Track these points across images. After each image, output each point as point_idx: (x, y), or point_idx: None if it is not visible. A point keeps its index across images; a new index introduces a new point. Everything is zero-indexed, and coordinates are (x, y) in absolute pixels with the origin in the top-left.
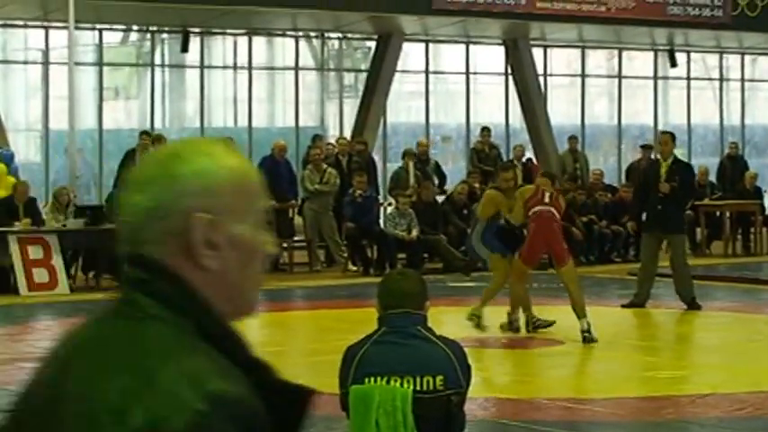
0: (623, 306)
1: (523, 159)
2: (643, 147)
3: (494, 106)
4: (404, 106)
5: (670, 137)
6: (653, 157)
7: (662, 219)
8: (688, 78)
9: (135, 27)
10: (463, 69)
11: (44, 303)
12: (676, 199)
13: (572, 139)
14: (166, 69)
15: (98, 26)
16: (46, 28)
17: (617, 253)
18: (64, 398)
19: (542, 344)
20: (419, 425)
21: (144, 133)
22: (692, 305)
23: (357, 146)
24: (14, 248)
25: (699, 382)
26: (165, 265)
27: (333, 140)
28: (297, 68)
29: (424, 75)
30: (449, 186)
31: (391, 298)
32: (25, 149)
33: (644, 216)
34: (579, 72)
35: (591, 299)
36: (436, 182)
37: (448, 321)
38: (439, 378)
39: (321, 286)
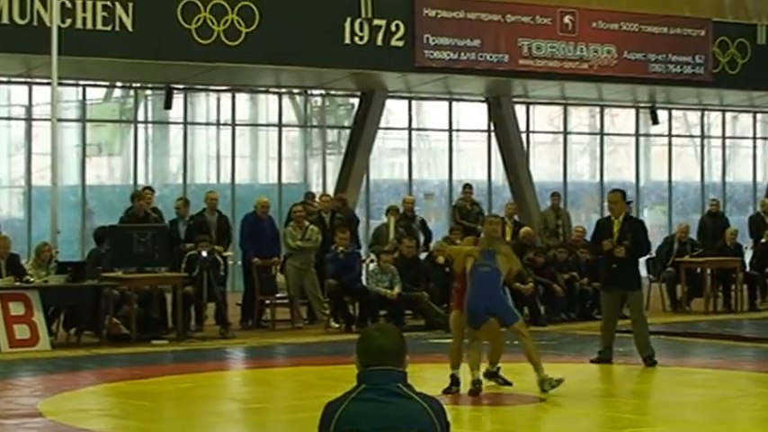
0: (591, 361)
1: (515, 217)
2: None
3: (476, 163)
4: (387, 163)
5: (620, 195)
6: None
7: (619, 276)
8: (669, 135)
9: (118, 83)
10: (446, 126)
11: (25, 360)
12: (631, 257)
13: (554, 195)
14: (150, 126)
15: (81, 82)
16: (29, 84)
17: (598, 310)
18: None
19: (524, 401)
20: None
21: (146, 189)
22: (649, 362)
23: (335, 202)
24: None
25: None
26: None
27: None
28: (280, 125)
29: (407, 131)
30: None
31: (371, 355)
32: (8, 206)
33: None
34: (561, 129)
35: (571, 355)
36: (422, 239)
37: (429, 378)
38: None
39: (303, 343)
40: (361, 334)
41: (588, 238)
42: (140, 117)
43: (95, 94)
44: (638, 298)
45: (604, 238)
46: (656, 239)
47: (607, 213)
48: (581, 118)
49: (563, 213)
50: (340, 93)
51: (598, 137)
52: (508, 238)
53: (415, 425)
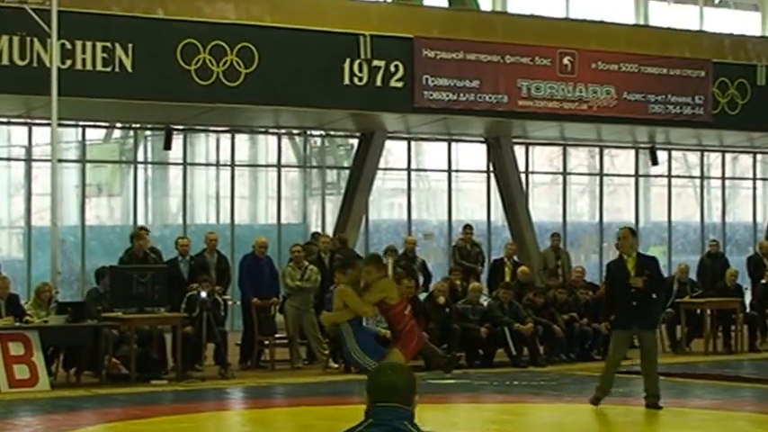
0: (591, 401)
1: (514, 258)
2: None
3: (476, 203)
4: (386, 203)
5: (629, 231)
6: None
7: (638, 315)
8: (669, 176)
9: (118, 124)
10: (445, 167)
11: (25, 400)
12: (649, 293)
13: (554, 236)
14: (149, 166)
15: (81, 123)
16: (29, 125)
17: (597, 351)
18: None
19: None
20: None
21: (141, 228)
22: (657, 405)
23: (335, 242)
24: None
25: None
26: None
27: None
28: (279, 165)
29: (406, 172)
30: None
31: (380, 392)
32: (8, 246)
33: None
34: (561, 170)
35: (571, 396)
36: (421, 279)
37: (427, 419)
38: None
39: (302, 383)
40: (373, 371)
41: (587, 278)
42: (140, 157)
43: (95, 134)
44: (655, 338)
45: (620, 279)
46: None
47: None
48: (580, 158)
49: (563, 254)
50: (339, 133)
51: (597, 177)
52: (507, 279)
53: None
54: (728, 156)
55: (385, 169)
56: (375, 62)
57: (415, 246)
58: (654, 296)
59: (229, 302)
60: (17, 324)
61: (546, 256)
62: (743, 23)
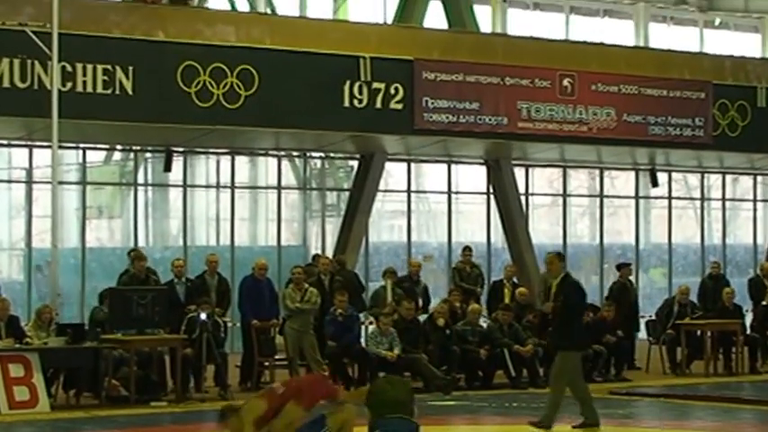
0: (574, 427)
1: (514, 279)
2: (619, 266)
3: (476, 225)
4: (386, 225)
5: (556, 256)
6: (630, 276)
7: (552, 336)
8: (669, 198)
9: (118, 146)
10: (445, 188)
11: (25, 421)
12: (561, 317)
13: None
14: (150, 188)
15: (82, 145)
16: (30, 147)
17: (598, 372)
18: None
19: None
20: None
21: (133, 251)
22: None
23: (335, 264)
24: None
25: None
26: None
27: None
28: (279, 187)
29: (406, 194)
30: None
31: (385, 406)
32: (8, 268)
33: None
34: (561, 191)
35: (572, 418)
36: (420, 302)
37: None
38: None
39: None
40: (371, 388)
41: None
42: (140, 180)
43: (96, 156)
44: (565, 360)
45: (547, 299)
46: (656, 301)
47: (611, 275)
48: (580, 180)
49: None
50: (339, 155)
51: (598, 199)
52: (507, 301)
53: None
54: (729, 177)
55: (385, 191)
56: (375, 84)
57: (420, 269)
58: (568, 320)
59: (229, 324)
60: (17, 345)
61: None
62: (743, 45)
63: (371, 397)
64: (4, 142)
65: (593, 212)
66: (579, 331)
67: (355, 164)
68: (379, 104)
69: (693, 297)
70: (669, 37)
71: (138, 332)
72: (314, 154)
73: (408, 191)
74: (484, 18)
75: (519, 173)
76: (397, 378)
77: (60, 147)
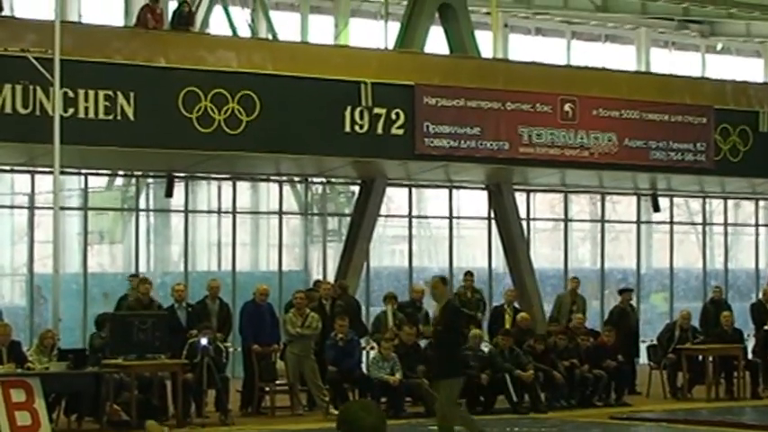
0: None
1: (515, 304)
2: (621, 291)
3: (477, 250)
4: (387, 250)
5: (440, 280)
6: (631, 301)
7: (433, 364)
8: (671, 222)
9: (120, 172)
10: (446, 213)
11: None
12: (439, 343)
13: (573, 279)
14: (151, 214)
15: (83, 171)
16: (32, 173)
17: (598, 397)
18: None
19: None
20: None
21: (133, 276)
22: None
23: (336, 289)
24: None
25: None
26: None
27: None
28: (281, 213)
29: (407, 219)
30: None
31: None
32: (10, 293)
33: None
34: (562, 216)
35: None
36: (422, 328)
37: None
38: None
39: (303, 430)
40: (343, 414)
41: (589, 324)
42: (142, 205)
43: (97, 182)
44: (444, 389)
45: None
46: (656, 326)
47: (612, 300)
48: (582, 205)
49: (579, 298)
50: (340, 180)
51: (599, 224)
52: (507, 325)
53: None
54: (731, 202)
55: (386, 216)
56: (376, 110)
57: (423, 295)
58: (449, 346)
59: (230, 349)
60: (19, 371)
61: (562, 300)
62: (745, 70)
63: (347, 425)
64: (7, 168)
65: (594, 237)
66: (461, 358)
67: (356, 189)
68: (380, 130)
69: (695, 322)
70: (671, 62)
71: (139, 357)
72: (315, 179)
73: (410, 216)
74: (485, 43)
75: (520, 198)
76: (369, 402)
77: (62, 172)
